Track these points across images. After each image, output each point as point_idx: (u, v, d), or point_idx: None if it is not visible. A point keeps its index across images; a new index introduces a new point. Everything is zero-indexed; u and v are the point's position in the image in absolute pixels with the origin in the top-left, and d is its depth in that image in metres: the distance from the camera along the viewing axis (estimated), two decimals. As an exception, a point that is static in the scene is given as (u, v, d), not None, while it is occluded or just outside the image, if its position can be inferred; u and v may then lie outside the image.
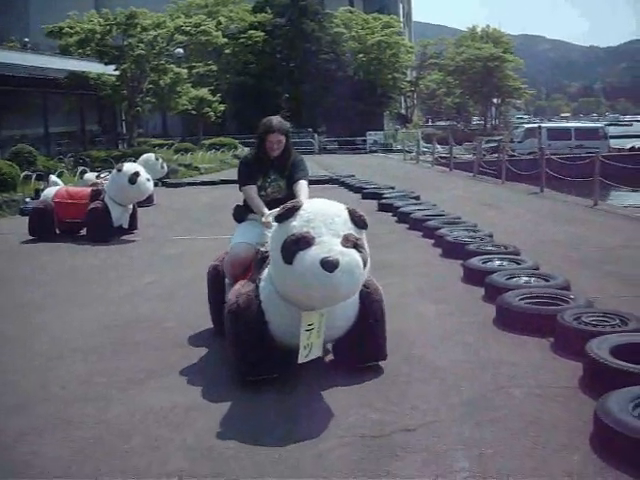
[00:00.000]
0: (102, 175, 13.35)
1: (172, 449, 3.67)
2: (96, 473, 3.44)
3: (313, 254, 3.86)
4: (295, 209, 4.11)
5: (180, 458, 3.57)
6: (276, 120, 5.16)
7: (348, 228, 4.04)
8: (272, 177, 5.20)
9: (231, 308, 4.40)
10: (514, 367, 4.73)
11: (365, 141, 43.96)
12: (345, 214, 4.12)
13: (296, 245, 3.93)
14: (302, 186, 5.06)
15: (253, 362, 4.39)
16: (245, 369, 4.44)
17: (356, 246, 3.97)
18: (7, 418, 4.17)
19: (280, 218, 4.14)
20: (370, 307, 4.59)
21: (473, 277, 7.11)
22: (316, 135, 42.91)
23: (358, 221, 4.14)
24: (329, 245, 3.88)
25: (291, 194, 4.99)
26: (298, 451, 3.58)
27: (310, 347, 4.16)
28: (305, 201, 4.30)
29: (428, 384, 4.46)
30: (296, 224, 4.02)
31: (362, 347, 4.58)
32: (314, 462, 3.47)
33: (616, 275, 7.43)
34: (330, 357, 4.94)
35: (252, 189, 5.15)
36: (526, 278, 6.64)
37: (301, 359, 4.18)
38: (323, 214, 4.05)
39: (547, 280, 6.52)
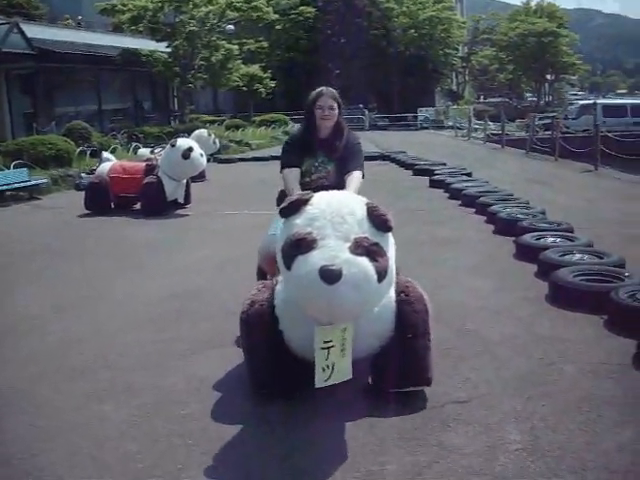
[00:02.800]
0: (156, 150, 13.56)
1: (227, 416, 3.77)
2: (155, 435, 3.57)
3: (312, 261, 3.19)
4: (301, 203, 3.44)
5: (234, 425, 3.66)
6: (325, 87, 4.52)
7: (362, 230, 3.33)
8: (320, 160, 4.43)
9: (242, 317, 3.88)
10: (566, 343, 4.72)
11: (416, 117, 43.59)
12: (361, 212, 3.40)
13: (296, 248, 3.28)
14: (353, 178, 4.26)
15: (265, 376, 3.89)
16: (256, 383, 3.96)
17: (370, 253, 3.26)
18: (71, 382, 4.34)
19: (284, 212, 3.48)
20: (409, 319, 3.78)
21: (526, 254, 7.08)
22: (367, 111, 42.67)
23: (378, 222, 3.40)
24: (333, 250, 3.20)
25: (341, 183, 4.25)
26: (355, 428, 3.65)
27: (331, 368, 3.44)
28: (316, 194, 3.56)
29: (480, 358, 4.49)
30: (299, 222, 3.37)
31: (400, 369, 3.76)
32: (368, 430, 3.53)
33: (673, 254, 7.29)
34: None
35: (292, 172, 4.38)
36: (580, 255, 6.58)
37: (319, 383, 3.46)
38: (332, 211, 3.35)
39: (601, 257, 6.45)
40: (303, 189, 4.14)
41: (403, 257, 4.88)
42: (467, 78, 67.93)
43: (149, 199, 10.99)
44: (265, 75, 36.95)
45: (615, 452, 3.26)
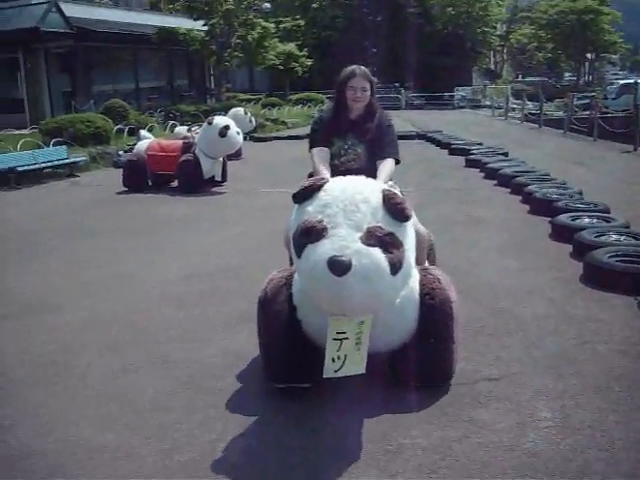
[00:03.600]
0: (193, 128, 13.66)
1: (262, 391, 3.84)
2: (191, 407, 3.66)
3: (321, 250, 3.04)
4: (314, 188, 3.28)
5: (270, 399, 3.74)
6: (357, 66, 4.29)
7: (376, 219, 3.14)
8: (350, 142, 4.20)
9: (260, 296, 3.77)
10: (600, 323, 4.71)
11: (453, 97, 43.17)
12: (377, 200, 3.21)
13: (306, 236, 3.14)
14: (385, 165, 4.04)
15: (281, 366, 3.71)
16: (272, 374, 3.79)
17: (383, 244, 3.08)
18: (107, 355, 4.46)
19: (296, 198, 3.33)
20: (431, 322, 3.61)
21: (561, 234, 7.04)
22: (403, 90, 42.37)
23: (394, 210, 3.20)
24: (344, 240, 3.04)
25: (372, 166, 4.05)
26: (385, 404, 3.70)
27: (343, 360, 3.30)
28: (330, 179, 3.42)
29: (512, 336, 4.51)
30: (311, 209, 3.22)
31: (419, 369, 3.66)
32: (398, 405, 3.59)
33: None
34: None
35: (321, 152, 4.17)
36: (616, 236, 6.54)
37: (327, 372, 3.33)
38: (345, 198, 3.17)
39: (637, 238, 6.40)
40: (332, 172, 3.99)
41: (438, 236, 4.92)
42: (505, 57, 67.00)
43: (186, 177, 11.10)
44: (301, 53, 36.90)
45: (645, 432, 3.28)
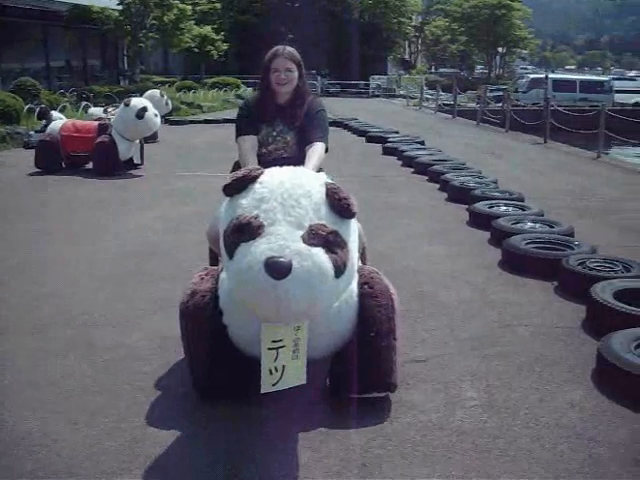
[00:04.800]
0: (109, 109, 13.34)
1: (187, 374, 3.80)
2: (119, 391, 3.60)
3: (257, 250, 2.68)
4: (248, 180, 2.91)
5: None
6: (282, 46, 4.03)
7: (319, 216, 2.81)
8: (278, 129, 3.98)
9: (181, 308, 3.43)
10: (519, 307, 4.89)
11: (368, 85, 43.63)
12: (320, 195, 2.87)
13: (239, 234, 2.78)
14: (314, 151, 3.78)
15: (207, 376, 3.41)
16: (198, 384, 3.49)
17: (327, 243, 2.76)
18: (32, 339, 4.32)
19: (227, 190, 2.94)
20: (371, 315, 3.31)
21: (479, 221, 7.25)
22: (319, 77, 42.51)
23: (338, 206, 2.86)
24: (283, 239, 2.69)
25: (302, 155, 3.81)
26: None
27: (281, 372, 2.99)
28: (267, 170, 3.01)
29: (437, 320, 4.62)
30: (245, 203, 2.86)
31: (361, 372, 3.30)
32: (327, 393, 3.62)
33: (619, 225, 7.56)
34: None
35: (248, 140, 3.94)
36: (531, 224, 6.77)
37: (265, 387, 2.99)
38: (284, 191, 2.82)
39: (552, 226, 6.64)
40: (260, 161, 3.77)
41: (359, 223, 4.96)
42: (420, 48, 68.04)
43: (101, 159, 10.80)
44: (217, 37, 36.44)
45: (566, 409, 3.42)
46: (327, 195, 2.88)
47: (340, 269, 2.80)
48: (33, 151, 11.72)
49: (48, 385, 3.68)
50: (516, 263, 5.71)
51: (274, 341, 2.95)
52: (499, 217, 6.89)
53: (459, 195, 8.59)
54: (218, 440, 3.13)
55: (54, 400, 3.51)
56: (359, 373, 3.30)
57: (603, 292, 4.55)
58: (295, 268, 2.64)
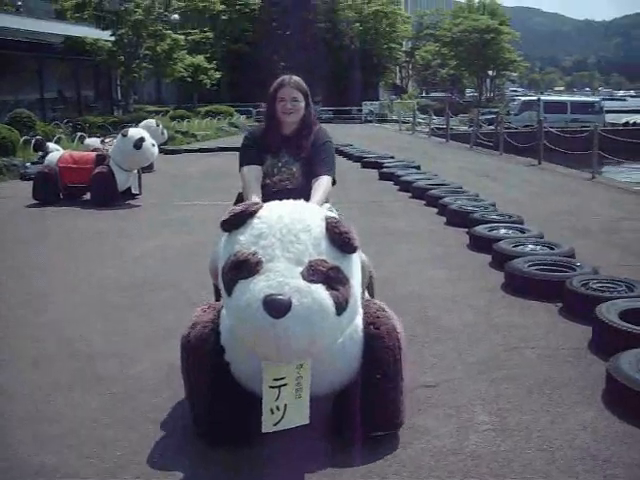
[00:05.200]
0: (106, 140, 13.38)
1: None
2: (129, 423, 3.58)
3: (255, 288, 2.64)
4: (247, 214, 2.86)
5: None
6: (289, 75, 3.98)
7: (319, 251, 2.76)
8: (284, 160, 3.88)
9: (182, 341, 3.28)
10: (525, 330, 4.89)
11: (361, 111, 43.92)
12: (319, 229, 2.81)
13: (237, 270, 2.73)
14: (320, 184, 3.68)
15: (208, 412, 3.25)
16: (199, 420, 3.34)
17: (328, 280, 2.70)
18: (36, 372, 4.30)
19: (226, 225, 2.90)
20: (377, 357, 3.16)
21: (479, 244, 7.27)
22: (312, 104, 42.77)
23: (339, 241, 2.81)
24: (282, 276, 2.65)
25: (308, 186, 3.72)
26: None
27: (283, 411, 2.90)
28: (266, 205, 2.97)
29: (443, 344, 4.62)
30: (242, 239, 2.80)
31: (366, 413, 3.17)
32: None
33: (618, 245, 7.60)
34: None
35: (252, 170, 3.82)
36: (532, 246, 6.79)
37: (267, 427, 2.90)
38: (283, 226, 2.77)
39: (552, 248, 6.66)
40: (264, 192, 3.70)
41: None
42: (410, 73, 68.64)
43: (100, 189, 10.83)
44: (210, 66, 36.75)
45: (578, 430, 3.42)
46: (327, 229, 2.81)
47: (342, 306, 2.72)
48: (30, 183, 11.79)
49: (57, 418, 3.66)
50: (519, 285, 5.72)
51: (276, 379, 2.86)
52: (500, 240, 6.91)
53: (458, 219, 8.63)
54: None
55: (65, 433, 3.49)
56: (364, 414, 3.17)
57: (608, 312, 4.56)
58: (295, 306, 2.59)
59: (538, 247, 6.75)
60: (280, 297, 2.58)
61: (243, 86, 40.56)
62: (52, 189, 11.22)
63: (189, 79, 35.29)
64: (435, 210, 9.72)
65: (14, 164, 15.20)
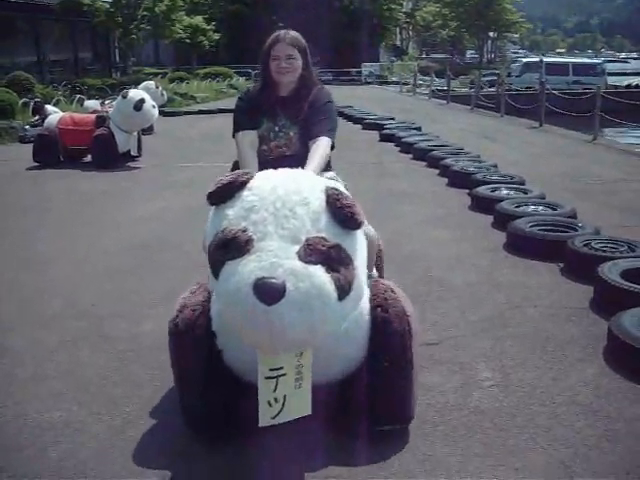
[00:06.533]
0: (106, 102, 13.32)
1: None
2: (138, 381, 3.62)
3: (245, 270, 2.29)
4: (235, 185, 2.51)
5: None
6: (284, 30, 3.59)
7: (318, 228, 2.40)
8: (281, 123, 3.53)
9: (170, 326, 2.95)
10: (527, 289, 4.93)
11: (360, 72, 43.58)
12: (319, 202, 2.46)
13: (225, 250, 2.38)
14: (318, 147, 3.31)
15: (199, 404, 2.95)
16: (189, 419, 3.05)
17: (328, 261, 2.36)
18: (45, 332, 4.34)
19: (212, 198, 2.54)
20: (385, 342, 2.85)
21: (481, 205, 7.29)
22: (311, 62, 42.44)
23: (341, 215, 2.45)
24: (275, 256, 2.30)
25: (307, 152, 3.34)
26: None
27: (282, 402, 2.60)
28: (258, 174, 2.63)
29: (446, 303, 4.66)
30: (231, 213, 2.45)
31: (373, 403, 2.91)
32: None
33: (619, 206, 7.61)
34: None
35: (246, 136, 3.49)
36: (534, 206, 6.81)
37: (264, 420, 2.60)
38: (277, 199, 2.42)
39: (554, 209, 6.68)
40: (260, 160, 3.37)
41: (363, 210, 4.94)
42: (411, 34, 67.96)
43: (100, 151, 10.82)
44: (209, 27, 36.42)
45: (580, 387, 3.47)
46: (327, 203, 2.45)
47: (344, 290, 2.38)
48: (29, 145, 11.77)
49: (66, 376, 3.71)
50: (521, 246, 5.75)
51: (272, 369, 2.55)
52: (502, 201, 6.92)
53: (460, 180, 8.63)
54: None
55: (74, 391, 3.53)
56: (371, 405, 2.91)
57: (610, 272, 4.59)
58: (289, 290, 2.24)
59: (540, 208, 6.77)
60: (273, 281, 2.23)
61: (241, 47, 40.13)
62: (52, 151, 11.20)
63: (188, 40, 35.02)
64: (437, 171, 9.72)
65: (13, 127, 15.10)
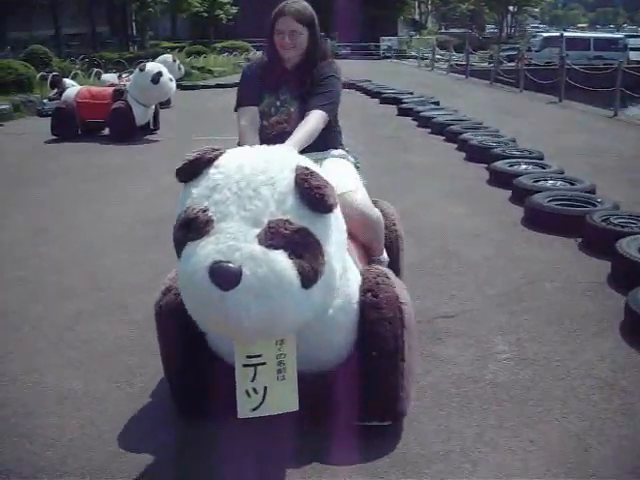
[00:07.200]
0: (123, 76, 13.32)
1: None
2: (154, 350, 3.65)
3: (202, 252, 2.14)
4: (202, 162, 2.38)
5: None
6: (292, 1, 3.30)
7: (283, 210, 2.23)
8: (282, 98, 3.33)
9: (155, 308, 2.92)
10: (544, 264, 4.91)
11: (378, 47, 43.25)
12: (287, 182, 2.27)
13: (186, 230, 2.27)
14: (307, 120, 3.09)
15: (184, 391, 2.95)
16: (176, 403, 3.03)
17: (292, 245, 2.18)
18: (63, 302, 4.39)
19: (180, 175, 2.43)
20: (373, 330, 2.68)
21: (499, 180, 7.24)
22: (329, 40, 42.09)
23: (309, 197, 2.25)
24: (233, 239, 2.14)
25: None
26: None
27: (262, 394, 2.48)
28: (229, 151, 2.46)
29: (463, 276, 4.66)
30: (195, 192, 2.34)
31: (361, 396, 2.73)
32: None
33: (638, 182, 7.52)
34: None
35: (247, 112, 3.30)
36: (552, 181, 6.76)
37: (243, 412, 2.49)
38: (242, 178, 2.26)
39: (573, 184, 6.63)
40: (261, 137, 3.19)
41: (379, 182, 4.94)
42: (430, 8, 67.20)
43: (118, 124, 10.84)
44: (226, 0, 36.19)
45: (596, 361, 3.46)
46: (297, 182, 2.26)
47: (309, 277, 2.21)
48: (48, 119, 11.79)
49: (83, 346, 3.75)
50: (539, 220, 5.72)
51: (250, 356, 2.44)
52: (520, 175, 6.88)
53: (478, 154, 8.57)
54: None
55: (92, 360, 3.58)
56: (360, 398, 2.73)
57: (629, 247, 4.56)
58: (246, 276, 2.08)
59: (558, 183, 6.72)
60: (229, 265, 2.08)
61: (259, 20, 39.94)
62: (70, 125, 11.23)
63: (205, 14, 34.88)
64: (455, 146, 9.66)
65: (31, 100, 15.18)
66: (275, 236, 2.15)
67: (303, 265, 2.18)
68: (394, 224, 3.66)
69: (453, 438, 2.81)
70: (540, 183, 6.63)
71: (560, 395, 3.12)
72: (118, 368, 3.48)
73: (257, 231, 2.15)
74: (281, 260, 2.13)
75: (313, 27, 3.29)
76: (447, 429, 2.87)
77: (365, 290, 2.72)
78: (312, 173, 2.27)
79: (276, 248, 2.14)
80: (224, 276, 2.07)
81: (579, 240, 5.35)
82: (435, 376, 3.30)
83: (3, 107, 13.90)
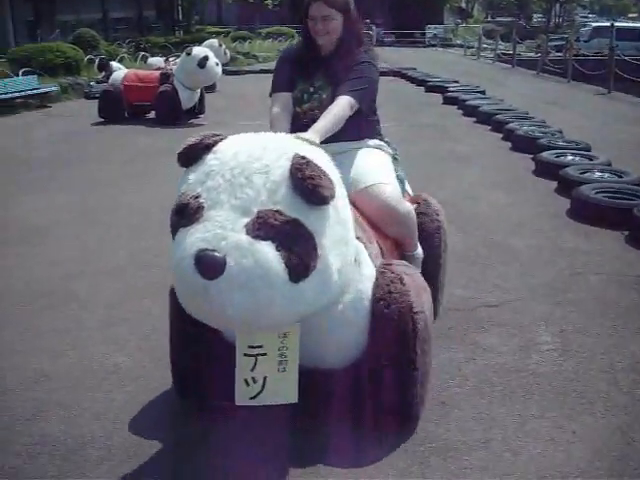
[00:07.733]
0: (170, 59, 13.43)
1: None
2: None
3: (190, 240, 2.12)
4: (200, 148, 2.32)
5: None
6: None
7: (274, 200, 2.16)
8: (317, 85, 3.20)
9: (170, 291, 2.82)
10: (590, 255, 4.85)
11: (424, 35, 42.89)
12: (281, 171, 2.19)
13: (179, 216, 2.25)
14: (333, 106, 2.96)
15: (188, 376, 2.91)
16: (177, 386, 3.00)
17: (281, 237, 2.12)
18: (110, 281, 4.50)
19: (181, 160, 2.37)
20: (384, 340, 2.61)
21: (545, 170, 7.16)
22: (374, 27, 41.88)
23: (302, 188, 2.16)
24: (220, 228, 2.11)
25: None
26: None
27: (262, 384, 2.50)
28: (230, 137, 2.38)
29: (507, 266, 4.63)
30: (191, 178, 2.29)
31: (370, 400, 2.69)
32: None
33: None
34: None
35: (280, 98, 3.18)
36: (599, 173, 6.66)
37: (241, 399, 2.51)
38: (236, 165, 2.21)
39: (620, 176, 6.53)
40: (293, 124, 3.09)
41: (423, 171, 4.89)
42: (476, -4, 66.41)
43: (164, 108, 10.95)
44: (273, -14, 36.25)
45: (642, 356, 3.42)
46: (291, 172, 2.18)
47: (298, 271, 2.14)
48: (95, 101, 11.98)
49: (130, 324, 3.83)
50: (585, 212, 5.64)
51: (251, 346, 2.45)
52: (567, 166, 6.79)
53: (524, 144, 8.48)
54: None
55: (138, 338, 3.65)
56: (369, 400, 2.69)
57: (678, 241, 4.49)
58: (230, 266, 2.04)
59: (606, 174, 6.62)
60: (214, 254, 2.04)
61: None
62: (117, 107, 11.40)
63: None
64: (500, 135, 9.55)
65: (79, 83, 15.41)
66: (263, 226, 2.10)
67: (292, 258, 2.12)
68: (439, 219, 3.53)
69: (494, 427, 2.80)
70: (587, 175, 6.54)
71: (604, 388, 3.10)
72: (161, 346, 3.51)
73: (246, 220, 2.11)
74: (267, 251, 2.09)
75: (348, 12, 3.17)
76: (488, 417, 2.87)
77: (377, 299, 2.62)
78: (308, 162, 2.18)
79: (264, 239, 2.09)
80: (208, 265, 2.04)
81: (626, 233, 5.27)
82: (478, 364, 3.29)
83: (52, 89, 14.11)
